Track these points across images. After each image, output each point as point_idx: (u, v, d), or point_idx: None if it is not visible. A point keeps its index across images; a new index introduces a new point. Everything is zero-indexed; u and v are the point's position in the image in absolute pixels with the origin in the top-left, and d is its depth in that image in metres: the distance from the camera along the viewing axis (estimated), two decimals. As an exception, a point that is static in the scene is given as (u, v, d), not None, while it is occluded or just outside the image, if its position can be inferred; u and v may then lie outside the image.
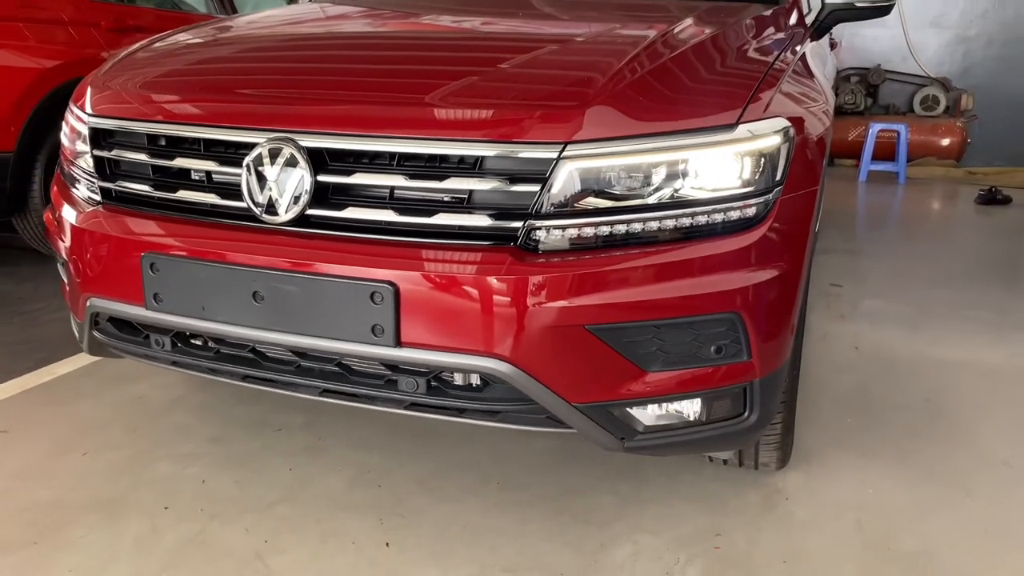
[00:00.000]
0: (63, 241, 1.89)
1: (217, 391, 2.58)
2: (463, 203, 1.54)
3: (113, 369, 2.72)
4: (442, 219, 1.54)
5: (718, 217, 1.53)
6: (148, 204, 1.76)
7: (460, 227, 1.53)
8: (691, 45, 1.81)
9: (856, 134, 7.36)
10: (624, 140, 1.50)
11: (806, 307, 2.02)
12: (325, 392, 1.69)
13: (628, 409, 1.59)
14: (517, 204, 1.51)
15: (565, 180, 1.49)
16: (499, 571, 1.77)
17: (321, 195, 1.58)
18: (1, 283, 3.76)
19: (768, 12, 2.29)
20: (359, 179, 1.57)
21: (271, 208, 1.59)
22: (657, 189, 1.52)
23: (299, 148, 1.57)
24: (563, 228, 1.51)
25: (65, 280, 1.99)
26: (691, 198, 1.52)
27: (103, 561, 1.79)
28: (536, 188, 1.50)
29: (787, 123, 1.63)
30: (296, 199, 1.57)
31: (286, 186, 1.57)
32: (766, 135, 1.57)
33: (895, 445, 2.34)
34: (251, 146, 1.61)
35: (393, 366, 1.59)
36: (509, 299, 1.47)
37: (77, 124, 1.92)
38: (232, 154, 1.66)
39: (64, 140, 2.02)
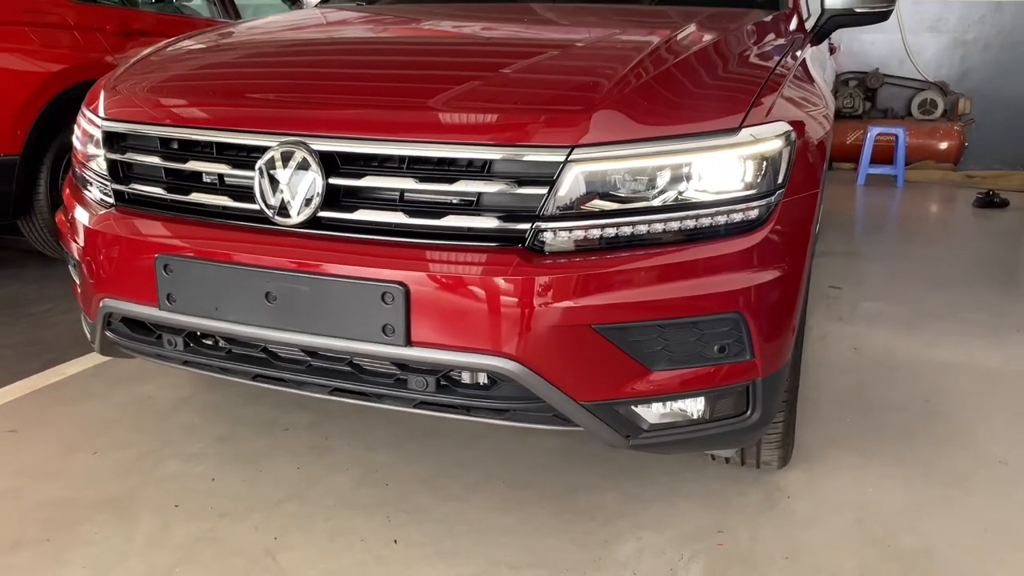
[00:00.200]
0: (76, 243, 1.92)
1: (223, 391, 2.61)
2: (471, 205, 1.57)
3: (121, 370, 2.75)
4: (451, 221, 1.57)
5: (721, 219, 1.57)
6: (161, 206, 1.79)
7: (468, 229, 1.57)
8: (694, 51, 1.84)
9: (854, 138, 7.40)
10: (630, 144, 1.53)
11: (806, 308, 2.05)
12: (335, 391, 1.72)
13: (633, 407, 1.62)
14: (525, 206, 1.55)
15: (572, 183, 1.52)
16: (505, 567, 1.80)
17: (332, 197, 1.61)
18: (7, 285, 3.78)
19: (769, 18, 2.33)
20: (370, 182, 1.60)
21: (283, 210, 1.62)
22: (662, 192, 1.55)
23: (311, 152, 1.60)
24: (570, 230, 1.54)
25: (77, 281, 2.02)
26: (695, 200, 1.55)
27: (115, 557, 1.82)
28: (543, 191, 1.53)
29: (789, 127, 1.66)
30: (308, 201, 1.60)
31: (298, 189, 1.60)
32: (768, 139, 1.61)
33: (894, 445, 2.38)
34: (263, 150, 1.64)
35: (403, 365, 1.62)
36: (517, 299, 1.51)
37: (90, 127, 1.95)
38: (244, 157, 1.69)
39: (76, 143, 2.05)
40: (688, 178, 1.55)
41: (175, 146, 1.79)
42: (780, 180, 1.62)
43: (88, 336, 2.06)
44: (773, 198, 1.61)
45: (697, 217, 1.56)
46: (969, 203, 6.30)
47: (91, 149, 1.95)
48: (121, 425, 2.41)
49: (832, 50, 4.37)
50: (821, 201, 1.83)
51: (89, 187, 1.97)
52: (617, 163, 1.53)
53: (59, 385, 2.68)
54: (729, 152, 1.57)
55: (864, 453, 2.32)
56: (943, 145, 7.41)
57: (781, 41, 2.14)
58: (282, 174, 1.61)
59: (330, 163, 1.61)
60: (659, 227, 1.55)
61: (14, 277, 3.92)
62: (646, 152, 1.53)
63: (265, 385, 1.81)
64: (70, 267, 2.09)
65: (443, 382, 1.63)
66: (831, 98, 2.13)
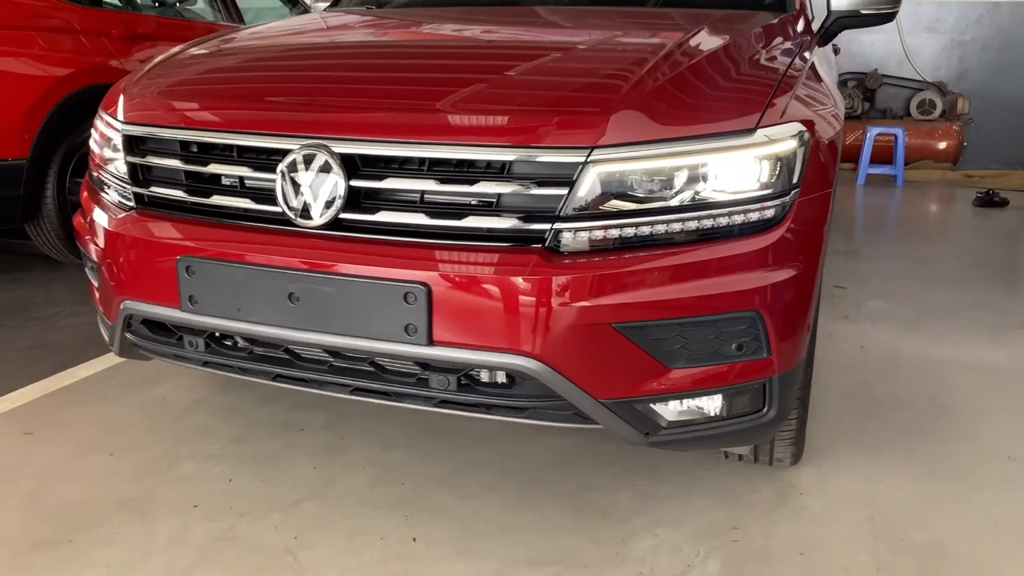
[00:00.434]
0: (96, 245, 1.93)
1: (237, 393, 2.63)
2: (491, 206, 1.59)
3: (133, 372, 2.76)
4: (471, 222, 1.59)
5: (738, 219, 1.59)
6: (182, 209, 1.81)
7: (488, 229, 1.59)
8: (708, 53, 1.87)
9: (854, 138, 7.44)
10: (649, 144, 1.56)
11: (819, 306, 2.08)
12: (356, 391, 1.74)
13: (652, 405, 1.65)
14: (544, 207, 1.57)
15: (592, 183, 1.55)
16: (525, 564, 1.82)
17: (353, 199, 1.63)
18: (15, 289, 3.80)
19: (776, 20, 2.35)
20: (391, 184, 1.62)
21: (305, 212, 1.64)
22: (680, 192, 1.57)
23: (333, 154, 1.62)
24: (589, 230, 1.56)
25: (95, 283, 2.04)
26: (713, 200, 1.57)
27: (138, 557, 1.83)
28: (563, 191, 1.55)
29: (803, 127, 1.68)
30: (329, 203, 1.62)
31: (320, 191, 1.62)
32: (783, 139, 1.63)
33: (902, 441, 2.40)
34: (285, 152, 1.66)
35: (425, 364, 1.64)
36: (539, 299, 1.53)
37: (108, 131, 1.97)
38: (265, 160, 1.71)
39: (94, 146, 2.06)
40: (705, 178, 1.57)
41: (196, 149, 1.80)
42: (795, 180, 1.65)
43: (106, 338, 2.07)
44: (788, 198, 1.64)
45: (714, 217, 1.58)
46: (968, 202, 6.34)
47: (109, 152, 1.97)
48: (136, 427, 2.43)
49: (836, 51, 4.40)
50: (834, 200, 1.86)
51: (107, 190, 1.98)
52: (636, 163, 1.55)
53: (72, 388, 2.70)
54: (746, 152, 1.59)
55: (873, 450, 2.35)
56: (942, 145, 7.45)
57: (791, 43, 2.17)
58: (304, 177, 1.63)
59: (351, 165, 1.63)
60: (677, 227, 1.57)
61: (21, 281, 3.93)
62: (665, 152, 1.56)
63: (285, 385, 1.83)
64: (87, 269, 2.10)
65: (464, 381, 1.65)
66: (840, 98, 2.16)
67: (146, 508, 2.02)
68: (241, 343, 1.84)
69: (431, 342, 1.57)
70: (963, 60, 7.89)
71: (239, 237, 1.70)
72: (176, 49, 2.26)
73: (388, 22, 2.61)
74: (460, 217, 1.59)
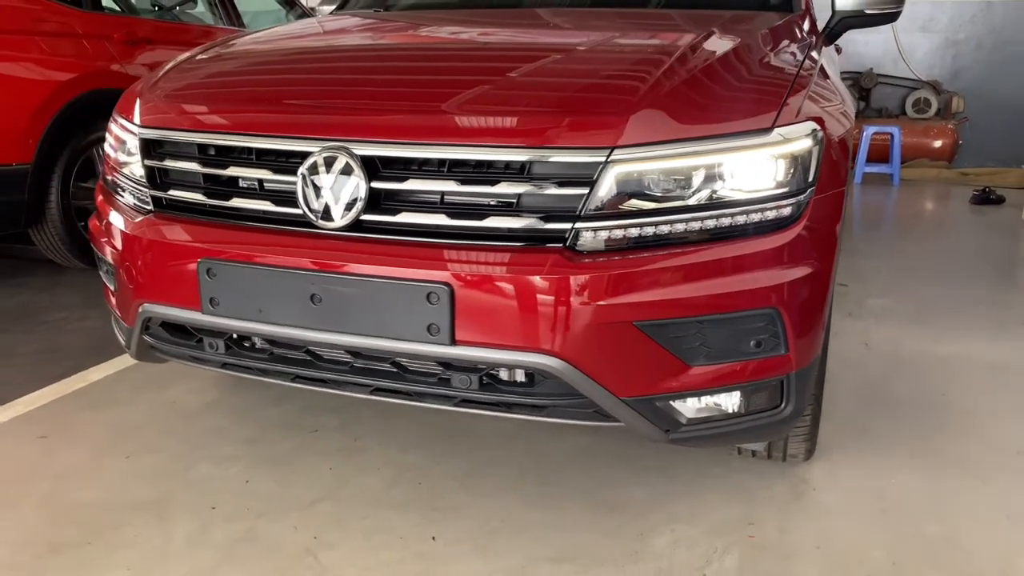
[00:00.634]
0: (112, 249, 1.94)
1: (248, 394, 2.63)
2: (512, 206, 1.61)
3: (144, 375, 2.77)
4: (492, 222, 1.60)
5: (756, 217, 1.61)
6: (201, 212, 1.82)
7: (509, 229, 1.60)
8: (722, 54, 1.88)
9: (850, 137, 7.47)
10: (668, 144, 1.57)
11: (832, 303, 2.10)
12: (377, 391, 1.75)
13: (672, 402, 1.66)
14: (565, 207, 1.58)
15: (612, 183, 1.56)
16: (544, 561, 1.84)
17: (374, 201, 1.64)
18: (20, 293, 3.79)
19: (782, 21, 2.37)
20: (412, 185, 1.63)
21: (326, 214, 1.65)
22: (698, 191, 1.59)
23: (353, 156, 1.63)
24: (609, 229, 1.58)
25: (112, 287, 2.04)
26: (731, 199, 1.59)
27: (158, 558, 1.84)
28: (584, 191, 1.57)
29: (817, 126, 1.71)
30: (350, 205, 1.64)
31: (341, 193, 1.64)
32: (799, 138, 1.65)
33: (910, 436, 2.43)
34: (305, 155, 1.67)
35: (447, 364, 1.66)
36: (560, 298, 1.54)
37: (124, 135, 1.98)
38: (285, 163, 1.72)
39: (109, 150, 2.07)
40: (723, 177, 1.59)
41: (215, 152, 1.81)
42: (811, 178, 1.67)
43: (122, 341, 2.08)
44: (804, 196, 1.66)
45: (732, 216, 1.60)
46: (965, 200, 6.39)
47: (125, 156, 1.97)
48: (149, 429, 2.43)
49: (838, 51, 4.43)
50: (847, 198, 1.88)
51: (122, 193, 1.99)
52: (656, 163, 1.57)
53: (84, 391, 2.70)
54: (762, 151, 1.61)
55: (882, 445, 2.37)
56: (937, 143, 7.51)
57: (800, 43, 2.19)
58: (325, 179, 1.64)
59: (371, 167, 1.64)
60: (696, 225, 1.59)
61: (25, 286, 3.92)
62: (683, 152, 1.58)
63: (303, 386, 1.84)
64: (102, 273, 2.11)
65: (485, 380, 1.66)
66: (849, 97, 2.18)
67: (164, 510, 2.03)
68: (260, 344, 1.85)
69: (454, 341, 1.58)
70: (957, 59, 7.95)
71: (260, 239, 1.71)
72: (190, 53, 2.27)
73: (400, 24, 2.62)
74: (481, 218, 1.61)
